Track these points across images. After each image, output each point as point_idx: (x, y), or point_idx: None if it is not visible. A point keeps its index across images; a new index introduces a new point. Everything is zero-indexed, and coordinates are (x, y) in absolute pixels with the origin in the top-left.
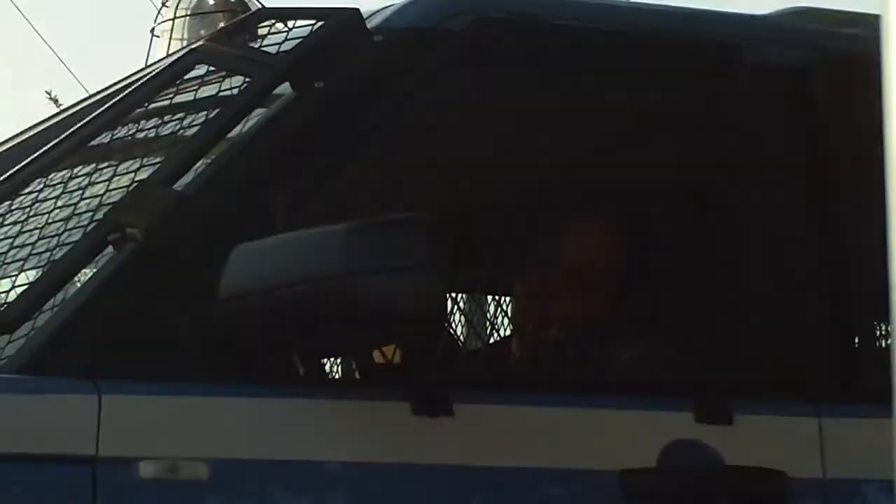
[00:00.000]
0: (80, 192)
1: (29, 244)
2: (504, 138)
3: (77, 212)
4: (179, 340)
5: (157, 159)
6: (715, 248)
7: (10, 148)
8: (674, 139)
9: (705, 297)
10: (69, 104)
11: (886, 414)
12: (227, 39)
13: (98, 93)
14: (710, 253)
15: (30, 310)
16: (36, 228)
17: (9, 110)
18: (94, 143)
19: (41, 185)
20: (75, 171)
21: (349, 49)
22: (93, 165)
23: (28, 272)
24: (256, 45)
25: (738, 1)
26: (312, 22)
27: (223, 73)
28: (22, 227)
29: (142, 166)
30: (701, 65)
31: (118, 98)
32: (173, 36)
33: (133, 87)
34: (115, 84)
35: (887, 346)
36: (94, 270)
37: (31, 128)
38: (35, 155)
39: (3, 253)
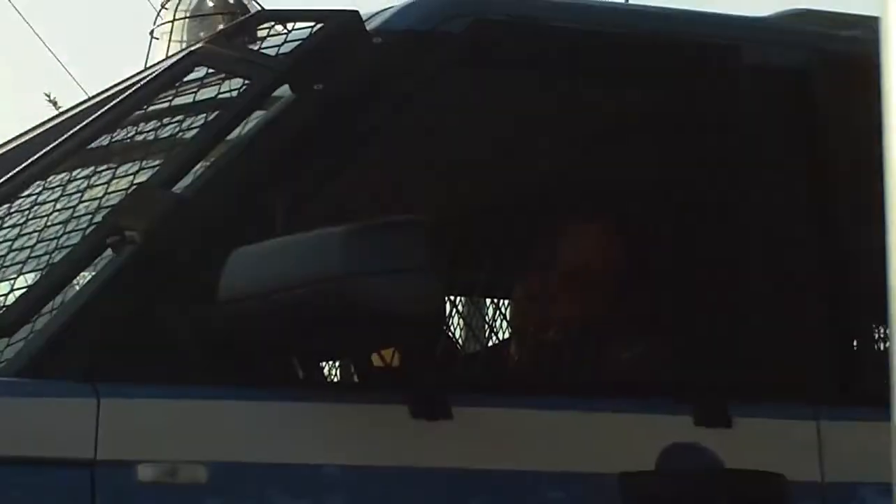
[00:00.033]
0: (80, 194)
1: (28, 247)
2: (503, 140)
3: (76, 214)
4: (178, 343)
5: (156, 162)
6: (714, 250)
7: (10, 150)
8: (673, 141)
9: (704, 299)
10: (68, 106)
11: (885, 417)
12: (226, 41)
13: (97, 95)
14: (709, 255)
15: (29, 313)
16: (35, 231)
17: (8, 113)
18: (93, 145)
19: (40, 188)
20: (74, 173)
21: (348, 51)
22: (92, 168)
23: (27, 275)
24: (256, 48)
25: (737, 3)
26: (312, 24)
27: (222, 76)
28: (21, 230)
29: (141, 169)
30: (700, 67)
31: (117, 100)
32: (172, 38)
33: (132, 90)
34: (115, 86)
35: (886, 348)
36: (93, 273)
37: (30, 130)
38: (34, 157)
39: (2, 256)
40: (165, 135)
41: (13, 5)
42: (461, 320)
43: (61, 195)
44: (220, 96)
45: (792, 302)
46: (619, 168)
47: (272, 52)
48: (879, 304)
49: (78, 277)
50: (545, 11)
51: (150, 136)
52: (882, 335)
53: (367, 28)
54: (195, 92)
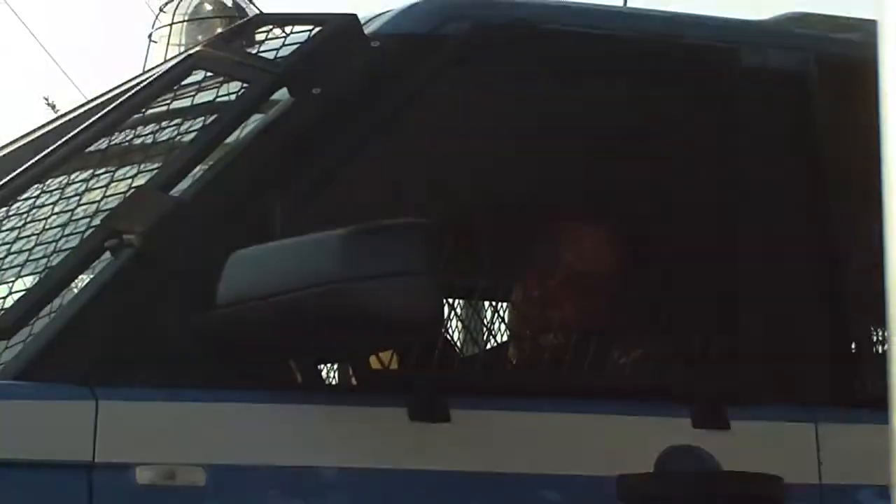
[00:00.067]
0: (78, 197)
1: (26, 250)
2: (501, 143)
3: (74, 217)
4: (177, 346)
5: (155, 165)
6: (712, 253)
7: (8, 153)
8: (671, 144)
9: (703, 302)
10: (67, 110)
11: (883, 419)
12: (224, 45)
13: (96, 98)
14: (707, 257)
15: (27, 315)
16: (33, 234)
17: (6, 116)
18: (91, 148)
19: (39, 191)
20: (73, 176)
21: (346, 55)
22: (90, 171)
23: (25, 278)
24: (254, 51)
25: (736, 6)
26: (310, 27)
27: (221, 79)
28: (19, 233)
29: (139, 172)
30: (699, 69)
31: (116, 103)
32: (171, 41)
33: (131, 93)
34: (113, 89)
35: (884, 351)
36: (92, 276)
37: (28, 133)
38: (33, 160)
39: (0, 258)
40: (164, 138)
41: (11, 9)
42: (460, 323)
43: (60, 198)
44: (219, 100)
45: (790, 304)
46: (617, 171)
47: (270, 55)
48: (878, 305)
49: (76, 280)
50: (543, 15)
51: (149, 140)
52: (880, 337)
53: (365, 31)
54: (193, 95)
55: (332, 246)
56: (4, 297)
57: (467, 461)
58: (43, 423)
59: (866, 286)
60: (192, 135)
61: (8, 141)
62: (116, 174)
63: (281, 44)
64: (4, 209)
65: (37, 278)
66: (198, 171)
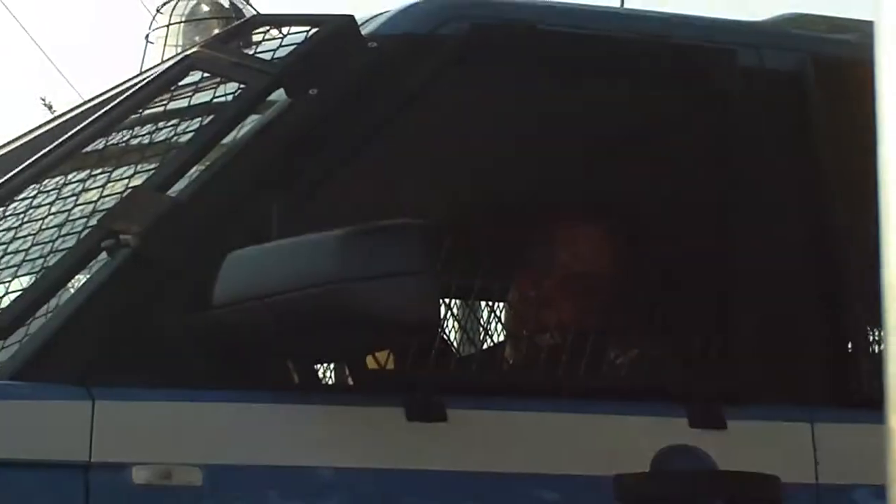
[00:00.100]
0: (75, 197)
1: (23, 250)
2: (499, 144)
3: (71, 218)
4: (173, 346)
5: (152, 165)
6: (708, 253)
7: (5, 154)
8: (668, 145)
9: (699, 301)
10: (64, 110)
11: (879, 419)
12: (221, 46)
13: (93, 99)
14: (704, 257)
15: (24, 316)
16: (30, 234)
17: (3, 116)
18: (88, 148)
19: (35, 191)
20: (69, 177)
21: (344, 55)
22: (87, 171)
23: (22, 278)
24: (251, 52)
25: (733, 7)
26: (307, 28)
27: (218, 80)
28: (16, 233)
29: (136, 172)
30: (696, 70)
31: (113, 104)
32: (168, 42)
33: (128, 93)
34: (110, 90)
35: (880, 350)
36: (88, 276)
37: (25, 134)
38: (29, 161)
39: None
40: (161, 138)
41: (8, 9)
42: (457, 323)
43: (57, 198)
44: (216, 100)
45: (786, 304)
46: (615, 172)
47: (267, 56)
48: (874, 305)
49: (73, 280)
50: (541, 15)
51: (146, 140)
52: (877, 337)
53: (363, 32)
54: (190, 96)
55: (329, 246)
56: (1, 297)
57: (464, 461)
58: (39, 423)
59: (863, 286)
60: (189, 135)
61: (5, 141)
62: (113, 174)
63: (278, 45)
64: (1, 209)
65: (33, 278)
66: (195, 171)
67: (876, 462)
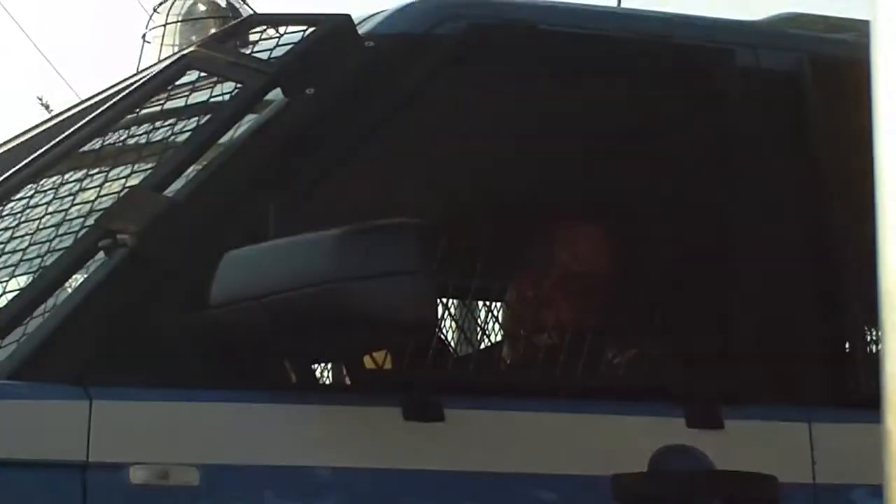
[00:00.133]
0: (72, 197)
1: (20, 250)
2: (496, 143)
3: (68, 217)
4: (170, 346)
5: (149, 165)
6: (706, 253)
7: (2, 154)
8: (666, 144)
9: (697, 302)
10: (61, 110)
11: (876, 419)
12: (218, 45)
13: (90, 98)
14: (701, 257)
15: (21, 315)
16: (27, 234)
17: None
18: (85, 148)
19: (32, 191)
20: (67, 176)
21: (340, 55)
22: (84, 171)
23: (19, 278)
24: (248, 51)
25: (730, 7)
26: (304, 28)
27: (215, 79)
28: (13, 233)
29: (133, 172)
30: (693, 70)
31: (110, 104)
32: (165, 42)
33: (124, 93)
34: (107, 89)
35: (878, 350)
36: (85, 276)
37: (22, 133)
38: (27, 160)
39: None
40: (158, 138)
41: (5, 8)
42: (454, 323)
43: (53, 198)
44: (213, 100)
45: (784, 304)
46: (613, 171)
47: (264, 55)
48: (871, 305)
49: (70, 280)
50: (538, 15)
51: (143, 140)
52: (874, 337)
53: (360, 32)
54: (187, 95)
55: (326, 246)
56: None
57: (461, 461)
58: (37, 423)
59: (860, 286)
60: (186, 135)
61: (2, 141)
62: (110, 174)
63: (275, 44)
64: None
65: (31, 278)
66: (191, 171)
67: (873, 462)
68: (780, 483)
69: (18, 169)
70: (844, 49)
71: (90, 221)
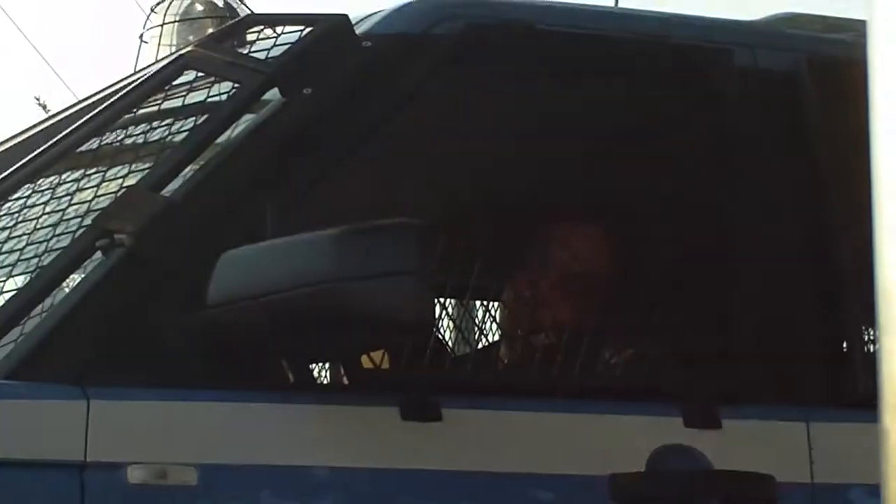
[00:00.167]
0: (69, 197)
1: (17, 249)
2: (494, 143)
3: (66, 217)
4: (168, 346)
5: (146, 165)
6: (704, 253)
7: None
8: (664, 144)
9: (695, 301)
10: (58, 109)
11: (873, 419)
12: (215, 45)
13: (87, 98)
14: (699, 257)
15: (18, 315)
16: (24, 234)
17: None
18: (82, 148)
19: (30, 191)
20: (64, 176)
21: (338, 55)
22: (81, 171)
23: (16, 277)
24: (245, 51)
25: (728, 7)
26: (301, 28)
27: (212, 79)
28: (10, 233)
29: (130, 172)
30: (691, 70)
31: (107, 104)
32: (162, 41)
33: (122, 93)
34: (104, 89)
35: (875, 350)
36: (83, 276)
37: (19, 133)
38: (24, 160)
39: None
40: (155, 138)
41: (2, 8)
42: (452, 322)
43: (51, 198)
44: (210, 100)
45: (782, 304)
46: (611, 171)
47: (262, 55)
48: (869, 305)
49: (67, 280)
50: (535, 15)
51: (140, 140)
52: (871, 337)
53: (357, 31)
54: (184, 95)
55: (324, 246)
56: None
57: (459, 461)
58: (34, 423)
59: (858, 286)
60: (184, 135)
61: None
62: (108, 174)
63: (272, 44)
64: None
65: (28, 278)
66: (189, 171)
67: (871, 461)
68: (778, 483)
69: (16, 169)
70: (842, 49)
71: (87, 221)
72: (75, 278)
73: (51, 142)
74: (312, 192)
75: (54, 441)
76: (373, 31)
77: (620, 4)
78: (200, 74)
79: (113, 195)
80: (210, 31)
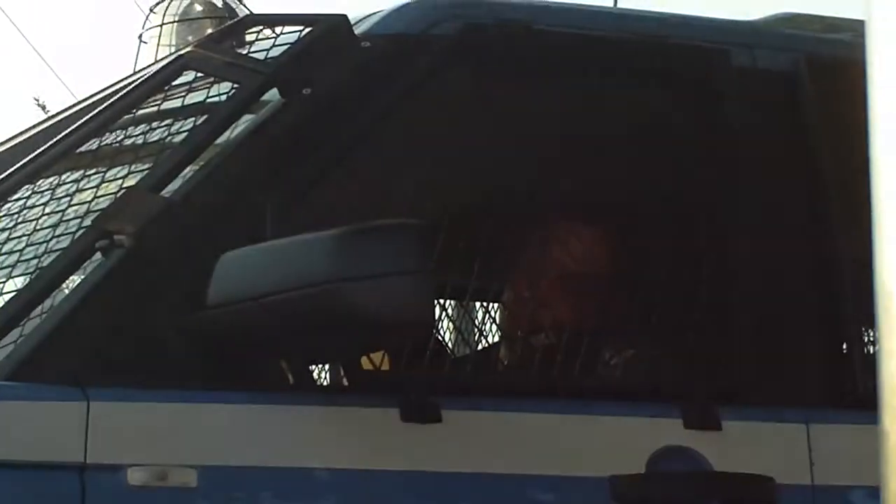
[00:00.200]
0: (69, 198)
1: (17, 250)
2: (493, 144)
3: (65, 218)
4: (168, 347)
5: (146, 165)
6: (703, 254)
7: None
8: (662, 144)
9: (695, 302)
10: (57, 110)
11: (873, 420)
12: (215, 45)
13: (86, 99)
14: (700, 258)
15: (18, 316)
16: (24, 235)
17: None
18: (82, 149)
19: (29, 192)
20: (64, 177)
21: (337, 55)
22: (81, 171)
23: (16, 279)
24: (244, 51)
25: (726, 7)
26: (300, 28)
27: (211, 79)
28: (10, 234)
29: (130, 172)
30: (689, 70)
31: (106, 104)
32: (161, 42)
33: (121, 93)
34: (104, 90)
35: (875, 351)
36: (83, 277)
37: (19, 134)
38: (23, 161)
39: None
40: (154, 138)
41: (1, 9)
42: (451, 324)
43: (50, 199)
44: (209, 100)
45: (782, 305)
46: (610, 171)
47: (261, 55)
48: (869, 306)
49: (67, 281)
50: (535, 15)
51: (140, 140)
52: (871, 338)
53: (356, 32)
54: (184, 96)
55: (325, 246)
56: None
57: (459, 462)
58: (34, 424)
59: (858, 287)
60: (183, 135)
61: None
62: (107, 175)
63: (271, 44)
64: None
65: (28, 279)
66: (188, 171)
67: (871, 463)
68: (778, 484)
69: (15, 169)
70: (841, 49)
71: (87, 222)
72: (75, 279)
73: (50, 142)
74: (312, 193)
75: (54, 442)
76: (372, 32)
77: (619, 5)
78: (200, 75)
79: (113, 196)
80: (209, 31)
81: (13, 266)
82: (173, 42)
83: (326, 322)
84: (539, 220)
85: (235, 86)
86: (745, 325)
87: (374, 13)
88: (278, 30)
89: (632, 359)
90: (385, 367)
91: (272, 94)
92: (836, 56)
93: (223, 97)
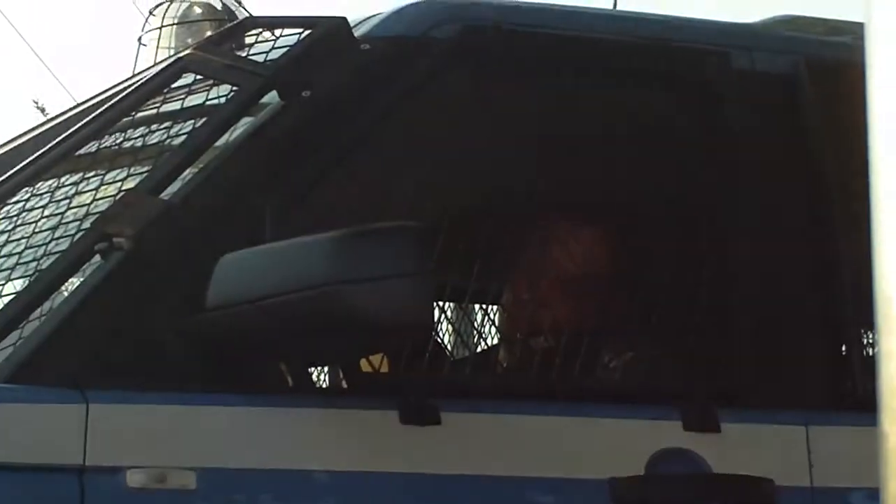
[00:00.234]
0: (68, 200)
1: (16, 253)
2: (492, 145)
3: (64, 221)
4: (167, 349)
5: (145, 168)
6: (703, 256)
7: None
8: (662, 146)
9: (694, 305)
10: (56, 113)
11: (873, 422)
12: (214, 48)
13: (85, 101)
14: (700, 261)
15: (17, 319)
16: (23, 237)
17: None
18: (81, 151)
19: (28, 194)
20: (63, 179)
21: (336, 57)
22: (80, 174)
23: (15, 281)
24: (244, 54)
25: (726, 9)
26: (299, 31)
27: (210, 82)
28: (9, 236)
29: (129, 175)
30: (689, 72)
31: (106, 107)
32: (160, 44)
33: (120, 96)
34: (103, 93)
35: (874, 353)
36: (82, 279)
37: (18, 136)
38: (22, 164)
39: None
40: (154, 141)
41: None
42: (450, 326)
43: (50, 201)
44: (209, 103)
45: (781, 307)
46: (609, 173)
47: (260, 58)
48: (868, 309)
49: (66, 283)
50: (534, 17)
51: (139, 143)
52: (871, 340)
53: (356, 34)
54: (183, 98)
55: (324, 249)
56: None
57: (458, 464)
58: (33, 427)
59: (857, 289)
60: (182, 138)
61: None
62: (106, 177)
63: (271, 47)
64: None
65: (27, 281)
66: (188, 174)
67: (870, 465)
68: (778, 486)
69: (14, 172)
70: (841, 51)
71: (86, 225)
72: (74, 282)
73: (50, 145)
74: (311, 195)
75: (53, 445)
76: (371, 34)
77: (619, 7)
78: (199, 77)
79: (112, 198)
80: (208, 34)
81: (12, 268)
82: (173, 45)
83: (325, 324)
84: (538, 222)
85: (235, 88)
86: (745, 327)
87: (374, 15)
88: (278, 32)
89: (631, 361)
90: (384, 369)
91: (271, 97)
92: (836, 59)
93: (222, 100)
